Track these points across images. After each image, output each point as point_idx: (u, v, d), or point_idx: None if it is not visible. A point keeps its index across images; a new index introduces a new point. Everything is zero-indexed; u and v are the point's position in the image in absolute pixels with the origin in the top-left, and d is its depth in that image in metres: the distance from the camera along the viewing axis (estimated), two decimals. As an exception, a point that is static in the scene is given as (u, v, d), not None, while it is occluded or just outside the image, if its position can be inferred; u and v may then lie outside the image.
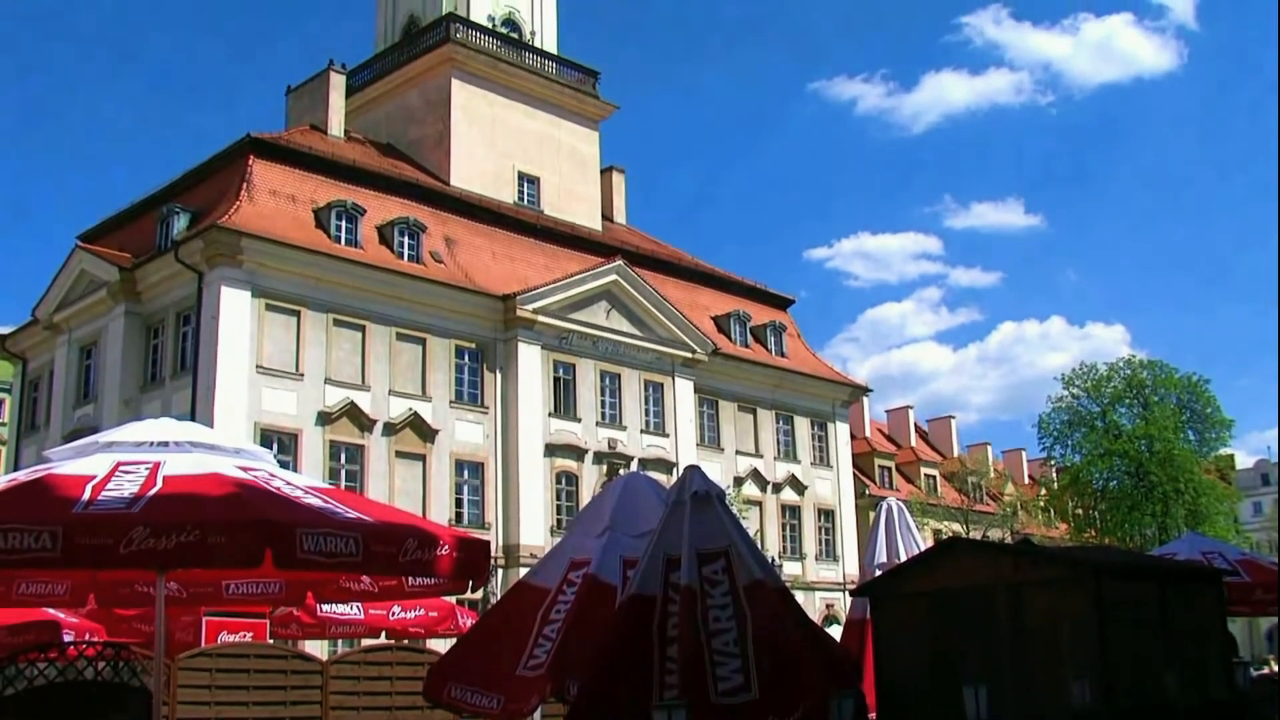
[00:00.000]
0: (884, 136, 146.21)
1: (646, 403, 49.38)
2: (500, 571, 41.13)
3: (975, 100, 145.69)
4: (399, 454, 41.45)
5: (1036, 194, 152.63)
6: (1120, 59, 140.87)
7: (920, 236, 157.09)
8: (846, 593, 49.41)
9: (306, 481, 8.26)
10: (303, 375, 39.47)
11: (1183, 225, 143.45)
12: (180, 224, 41.09)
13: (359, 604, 16.46)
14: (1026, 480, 78.46)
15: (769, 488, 54.02)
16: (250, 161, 41.85)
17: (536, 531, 43.63)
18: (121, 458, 7.75)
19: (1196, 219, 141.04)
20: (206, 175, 43.76)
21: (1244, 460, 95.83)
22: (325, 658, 16.16)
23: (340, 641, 25.90)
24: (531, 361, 45.33)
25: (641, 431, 48.73)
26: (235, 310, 38.39)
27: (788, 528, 54.91)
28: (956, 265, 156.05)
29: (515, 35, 55.93)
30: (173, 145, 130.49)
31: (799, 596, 46.11)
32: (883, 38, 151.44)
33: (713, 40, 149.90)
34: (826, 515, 56.94)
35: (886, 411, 77.69)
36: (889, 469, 68.90)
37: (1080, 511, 63.82)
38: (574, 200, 54.23)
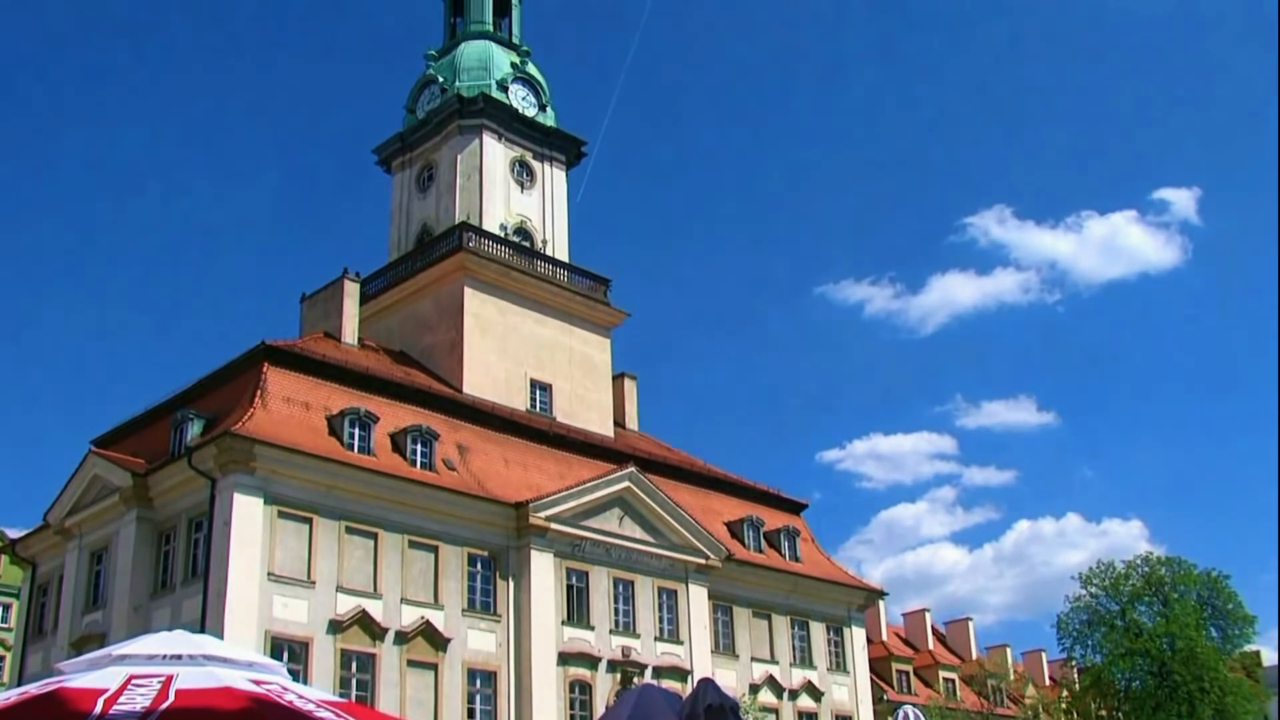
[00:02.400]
0: (893, 338, 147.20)
1: (660, 610, 48.80)
2: (512, 783, 40.31)
3: (983, 300, 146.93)
4: (410, 663, 40.84)
5: (1048, 391, 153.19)
6: (1125, 256, 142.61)
7: (933, 436, 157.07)
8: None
9: (320, 695, 8.21)
10: (314, 583, 39.17)
11: (1196, 418, 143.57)
12: (194, 430, 41.30)
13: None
14: (1047, 682, 77.10)
15: (785, 694, 53.02)
16: (264, 368, 42.27)
17: (549, 741, 42.83)
18: (134, 671, 7.75)
19: (1209, 412, 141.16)
20: (221, 382, 44.12)
21: (1270, 657, 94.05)
22: None
23: None
24: (544, 569, 45.02)
25: (655, 639, 48.06)
26: (247, 517, 38.30)
27: (805, 735, 53.87)
28: (970, 464, 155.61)
29: (527, 244, 56.92)
30: (188, 352, 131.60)
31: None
32: (888, 240, 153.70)
33: (721, 245, 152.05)
34: (844, 722, 55.89)
35: (903, 614, 77.03)
36: (907, 673, 67.93)
37: (1104, 713, 62.68)
38: (586, 407, 54.55)
